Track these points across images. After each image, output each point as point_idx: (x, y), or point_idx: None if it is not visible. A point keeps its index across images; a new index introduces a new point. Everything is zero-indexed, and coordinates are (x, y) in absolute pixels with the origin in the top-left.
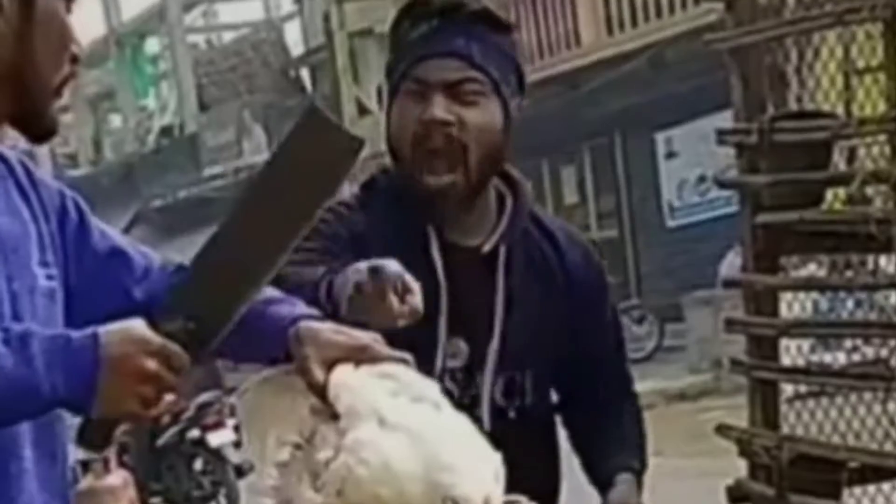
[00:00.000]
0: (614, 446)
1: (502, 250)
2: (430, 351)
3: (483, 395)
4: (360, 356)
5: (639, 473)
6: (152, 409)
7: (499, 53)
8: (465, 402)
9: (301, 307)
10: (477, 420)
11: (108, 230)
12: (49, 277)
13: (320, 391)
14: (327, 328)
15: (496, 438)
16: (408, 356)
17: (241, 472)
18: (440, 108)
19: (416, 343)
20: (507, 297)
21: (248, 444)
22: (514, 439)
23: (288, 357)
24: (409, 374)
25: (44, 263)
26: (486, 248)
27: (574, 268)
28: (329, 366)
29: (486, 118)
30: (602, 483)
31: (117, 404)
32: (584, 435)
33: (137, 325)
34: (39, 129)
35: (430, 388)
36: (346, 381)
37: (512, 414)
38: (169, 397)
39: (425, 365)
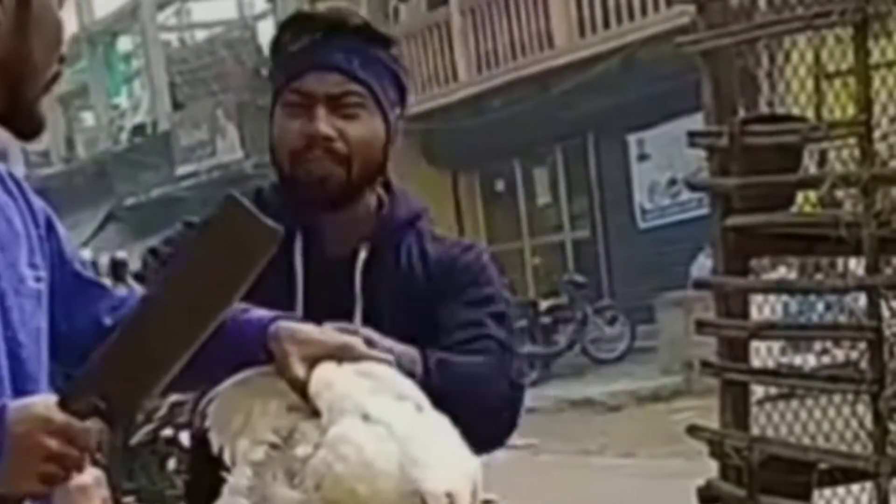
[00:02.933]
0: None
1: (362, 255)
2: None
3: None
4: (342, 354)
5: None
6: (58, 485)
7: (380, 67)
8: None
9: (273, 311)
10: None
11: (85, 262)
12: (37, 279)
13: (301, 388)
14: (308, 327)
15: None
16: (389, 357)
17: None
18: (323, 122)
19: None
20: (365, 304)
21: (219, 449)
22: None
23: (268, 358)
24: (390, 374)
25: (32, 265)
26: (348, 253)
27: (445, 270)
28: (310, 363)
29: (367, 131)
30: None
31: (18, 483)
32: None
33: (41, 404)
34: (28, 126)
35: (412, 388)
36: (329, 378)
37: None
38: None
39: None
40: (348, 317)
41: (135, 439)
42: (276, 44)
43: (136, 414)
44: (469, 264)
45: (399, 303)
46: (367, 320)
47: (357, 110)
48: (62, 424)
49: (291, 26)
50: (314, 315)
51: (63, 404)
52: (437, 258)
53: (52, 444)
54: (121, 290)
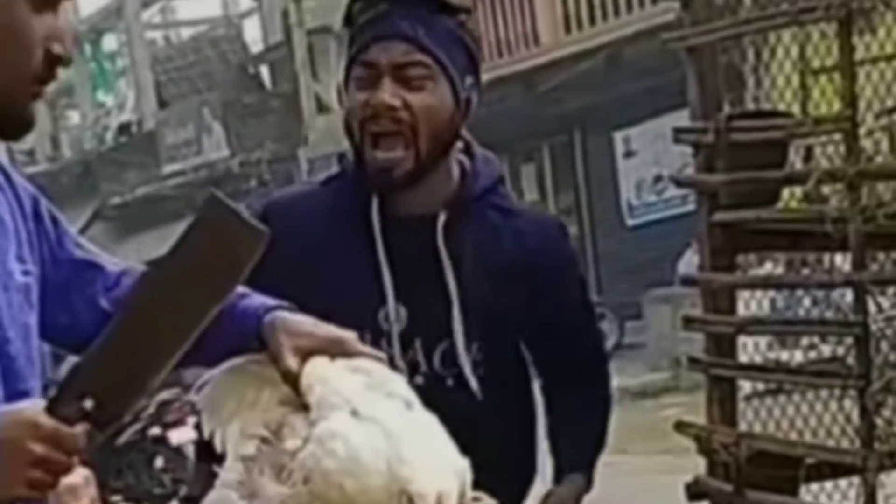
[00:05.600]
0: (572, 439)
1: (441, 217)
2: (371, 314)
3: (420, 363)
4: (335, 349)
5: (588, 472)
6: (47, 490)
7: (446, 35)
8: (403, 368)
9: (273, 300)
10: (416, 387)
11: (83, 241)
12: (25, 273)
13: (293, 380)
14: (303, 319)
15: (434, 405)
16: (382, 354)
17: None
18: (387, 92)
19: (357, 306)
20: (453, 266)
21: (209, 434)
22: (456, 408)
23: (261, 347)
24: (382, 371)
25: (20, 259)
26: (435, 213)
27: (535, 246)
28: (303, 356)
29: (433, 101)
30: (555, 472)
31: (5, 488)
32: (551, 417)
33: (29, 409)
34: (15, 127)
35: (403, 385)
36: (321, 372)
37: (450, 382)
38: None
39: (366, 328)
40: (433, 276)
41: (122, 438)
42: (347, 18)
43: (124, 417)
44: (565, 252)
45: (486, 268)
46: (456, 283)
47: (422, 81)
48: (50, 430)
49: (358, 0)
50: (401, 275)
51: (51, 409)
52: (528, 231)
53: (40, 449)
54: (113, 265)
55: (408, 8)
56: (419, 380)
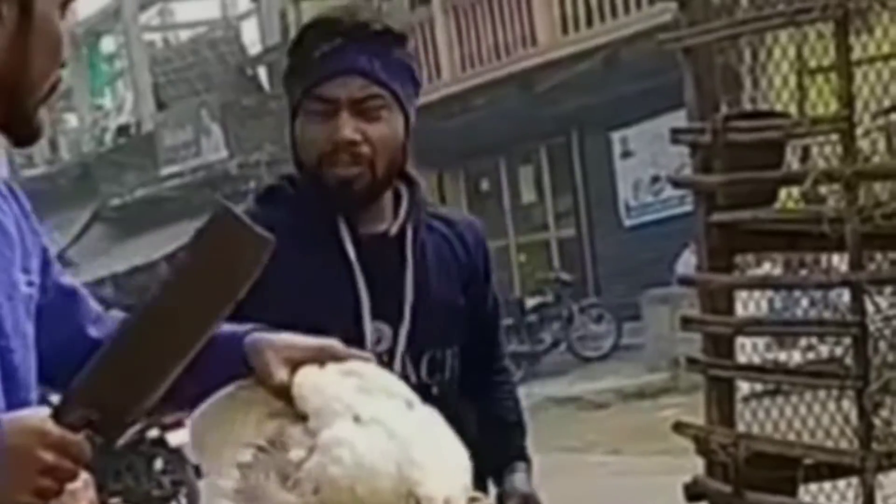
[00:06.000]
0: (508, 431)
1: (409, 232)
2: (357, 338)
3: (410, 375)
4: (322, 356)
5: (526, 458)
6: (52, 499)
7: (398, 66)
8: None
9: (248, 325)
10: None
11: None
12: (29, 284)
13: (285, 393)
14: (284, 334)
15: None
16: (370, 355)
17: (201, 472)
18: (348, 128)
19: (341, 331)
20: (415, 279)
21: (203, 458)
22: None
23: (249, 371)
24: (375, 371)
25: (25, 270)
26: (393, 230)
27: (471, 248)
28: (291, 367)
29: (389, 131)
30: (496, 468)
31: (12, 496)
32: (480, 417)
33: (36, 417)
34: (26, 134)
35: (399, 384)
36: (312, 380)
37: (435, 390)
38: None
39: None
40: (403, 290)
41: (121, 440)
42: (296, 49)
43: (129, 425)
44: (487, 250)
45: (447, 274)
46: (423, 293)
47: (380, 111)
48: (58, 438)
49: (311, 31)
50: (376, 293)
51: (56, 417)
52: (465, 233)
53: (48, 457)
54: (94, 304)
55: (363, 42)
56: None
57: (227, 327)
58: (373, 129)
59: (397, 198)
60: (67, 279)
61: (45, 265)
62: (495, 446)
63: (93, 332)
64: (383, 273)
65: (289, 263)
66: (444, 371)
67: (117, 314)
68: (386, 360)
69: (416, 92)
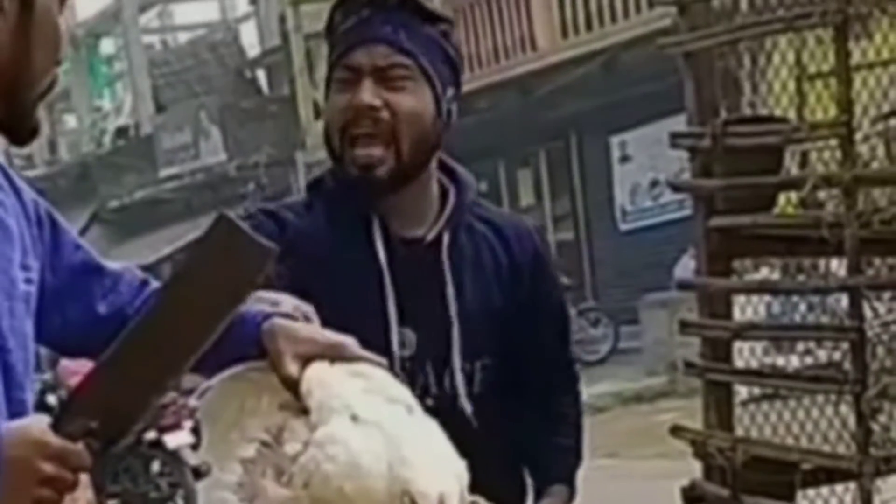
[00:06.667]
0: (553, 451)
1: (445, 238)
2: (380, 341)
3: (430, 386)
4: (335, 354)
5: (571, 483)
6: None
7: (427, 41)
8: (416, 392)
9: (271, 306)
10: (427, 409)
11: (82, 243)
12: (27, 281)
13: (293, 386)
14: (301, 325)
15: (447, 427)
16: (383, 359)
17: (198, 473)
18: (368, 93)
19: (366, 334)
20: (447, 287)
21: (208, 443)
22: (468, 429)
23: (261, 354)
24: (383, 376)
25: (24, 267)
26: (430, 236)
27: (514, 249)
28: (303, 361)
29: (414, 103)
30: (535, 487)
31: None
32: (526, 432)
33: (36, 427)
34: (23, 131)
35: (404, 390)
36: (320, 376)
37: (461, 403)
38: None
39: (375, 353)
40: (439, 298)
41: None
42: (329, 26)
43: (129, 434)
44: (546, 260)
45: (485, 282)
46: (458, 302)
47: (404, 82)
48: (58, 448)
49: (341, 7)
50: (407, 299)
51: (56, 426)
52: (513, 240)
53: (48, 468)
54: (111, 266)
55: (390, 13)
56: (429, 402)
57: (251, 308)
58: (396, 98)
59: (444, 199)
60: (82, 256)
61: (56, 247)
62: (537, 463)
63: (101, 308)
64: (414, 280)
65: (322, 261)
66: (473, 384)
67: (152, 285)
68: (409, 367)
69: (455, 77)
